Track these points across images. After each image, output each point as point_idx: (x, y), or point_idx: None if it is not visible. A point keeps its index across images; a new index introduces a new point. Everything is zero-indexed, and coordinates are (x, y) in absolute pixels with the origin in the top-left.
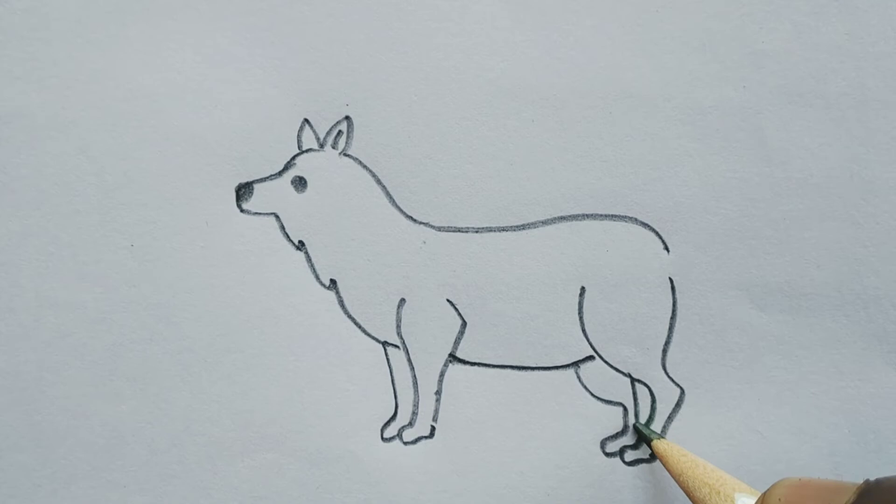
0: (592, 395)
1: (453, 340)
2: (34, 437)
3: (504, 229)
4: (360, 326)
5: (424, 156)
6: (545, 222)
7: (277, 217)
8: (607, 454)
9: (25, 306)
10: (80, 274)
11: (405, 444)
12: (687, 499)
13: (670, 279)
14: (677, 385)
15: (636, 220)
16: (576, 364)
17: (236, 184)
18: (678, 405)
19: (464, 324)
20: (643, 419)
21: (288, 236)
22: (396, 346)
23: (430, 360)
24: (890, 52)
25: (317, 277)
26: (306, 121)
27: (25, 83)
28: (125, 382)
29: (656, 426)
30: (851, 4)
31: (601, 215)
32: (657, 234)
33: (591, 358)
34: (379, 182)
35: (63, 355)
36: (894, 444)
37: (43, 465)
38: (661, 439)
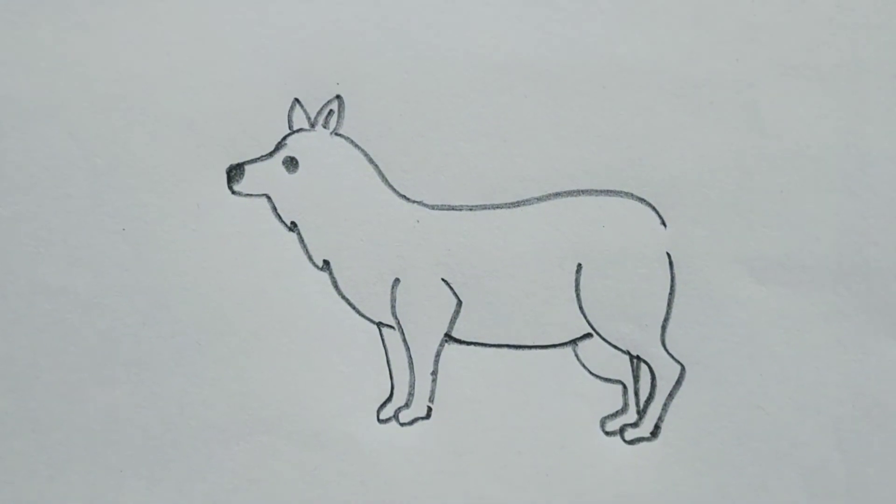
0: (591, 373)
1: (449, 320)
2: (29, 422)
3: (498, 207)
4: (354, 307)
5: (417, 134)
6: (540, 199)
7: (269, 198)
8: (607, 433)
9: (18, 292)
10: (72, 259)
11: (401, 425)
12: (688, 477)
13: (668, 254)
14: (677, 362)
15: (632, 195)
16: (574, 342)
17: (227, 165)
18: (679, 382)
19: (459, 303)
20: (643, 397)
21: (280, 217)
22: (391, 327)
23: (425, 341)
24: (882, 24)
25: (310, 258)
26: (297, 101)
27: (13, 67)
28: (119, 367)
29: (656, 404)
30: None
31: (597, 191)
32: (654, 209)
33: (589, 335)
34: (371, 161)
35: (56, 341)
36: None
37: (39, 450)
38: None
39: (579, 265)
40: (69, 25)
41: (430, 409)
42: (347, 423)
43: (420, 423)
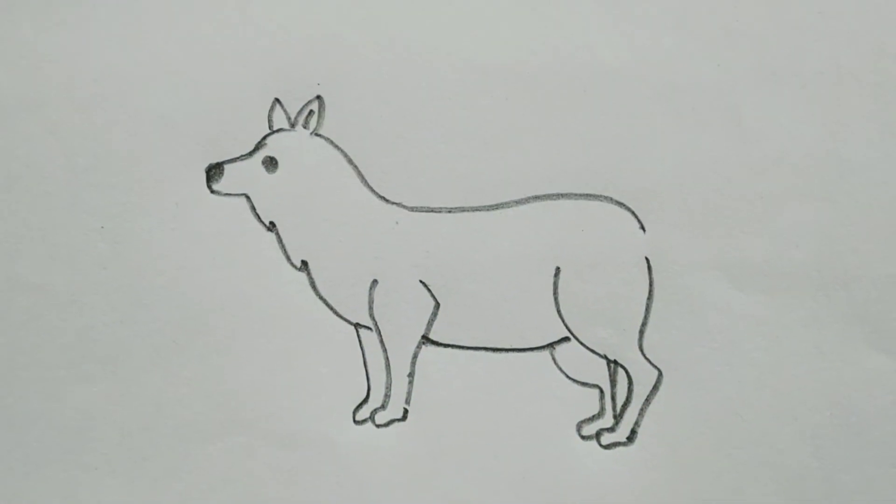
0: (568, 377)
1: (426, 322)
2: (6, 420)
3: (478, 209)
4: (331, 308)
5: (397, 135)
6: (519, 202)
7: (248, 198)
8: (583, 437)
9: None
10: (51, 256)
11: (378, 426)
12: (664, 482)
13: (647, 259)
14: (655, 367)
15: (611, 199)
16: (551, 346)
17: (206, 164)
18: (655, 388)
19: (437, 305)
20: (620, 402)
21: (259, 217)
22: (369, 328)
23: (402, 342)
24: (863, 31)
25: (288, 259)
26: (277, 100)
27: None
28: (96, 365)
29: (633, 409)
30: None
31: (576, 194)
32: (633, 213)
33: (566, 339)
34: (350, 162)
35: (34, 338)
36: (876, 427)
37: (14, 448)
38: None
39: (557, 269)
40: (50, 24)
41: (406, 411)
42: (324, 424)
43: (396, 424)
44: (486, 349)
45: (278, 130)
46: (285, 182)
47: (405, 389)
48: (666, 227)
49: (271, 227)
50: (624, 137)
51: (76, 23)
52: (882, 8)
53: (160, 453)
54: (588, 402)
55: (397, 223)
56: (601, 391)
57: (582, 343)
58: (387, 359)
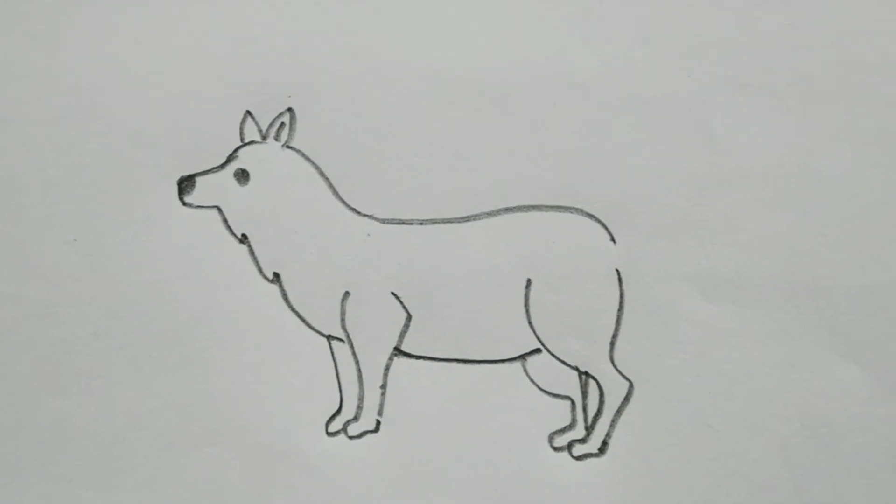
0: (540, 388)
1: (398, 334)
2: None
3: (449, 221)
4: (303, 320)
5: (368, 148)
6: (490, 214)
7: (220, 210)
8: (555, 448)
9: None
10: (25, 269)
11: (350, 438)
12: (636, 493)
13: (617, 271)
14: (626, 378)
15: (582, 211)
16: (523, 357)
17: (178, 177)
18: (627, 399)
19: (409, 317)
20: (591, 413)
21: (231, 229)
22: (341, 340)
23: (374, 354)
24: (831, 43)
25: (260, 271)
26: (248, 113)
27: None
28: (71, 378)
29: (604, 420)
30: None
31: (547, 206)
32: (603, 225)
33: (538, 351)
34: (322, 174)
35: (8, 350)
36: (847, 437)
37: None
38: None
39: (529, 280)
40: (22, 38)
41: (378, 423)
42: (296, 436)
43: (368, 436)
44: (458, 361)
45: (250, 143)
46: (257, 194)
47: (377, 401)
48: (637, 238)
49: (243, 239)
50: (595, 149)
51: (49, 37)
52: (851, 20)
53: (135, 465)
54: (560, 414)
55: (369, 235)
56: (573, 402)
57: (553, 355)
58: (359, 370)
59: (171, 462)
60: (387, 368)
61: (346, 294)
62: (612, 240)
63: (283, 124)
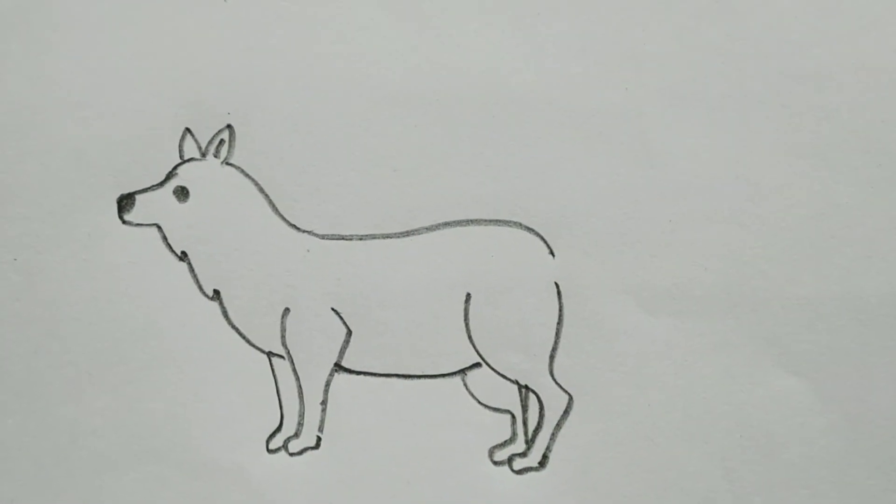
0: (480, 402)
1: (338, 350)
2: None
3: (389, 236)
4: (243, 337)
5: (307, 164)
6: (430, 229)
7: (160, 228)
8: (495, 462)
9: None
10: None
11: (291, 455)
12: None
13: (556, 284)
14: (565, 392)
15: (521, 224)
16: (462, 371)
17: (118, 195)
18: (566, 412)
19: (349, 332)
20: (531, 427)
21: (170, 247)
22: (281, 357)
23: (315, 370)
24: (769, 54)
25: (200, 288)
26: (188, 130)
27: None
28: (10, 396)
29: (544, 434)
30: (731, 6)
31: (486, 220)
32: (542, 238)
33: (478, 365)
34: (261, 191)
35: None
36: (787, 449)
37: None
38: None
39: (468, 294)
40: None
41: (319, 439)
42: (237, 453)
43: (309, 452)
44: (398, 376)
45: (189, 160)
46: (196, 211)
47: (318, 417)
48: (575, 252)
49: (183, 256)
50: (532, 163)
51: None
52: (786, 32)
53: (74, 484)
54: (500, 428)
55: (308, 251)
56: (513, 416)
57: (493, 369)
58: (299, 387)
59: (111, 481)
60: (327, 384)
61: (287, 310)
62: (551, 253)
63: (222, 141)
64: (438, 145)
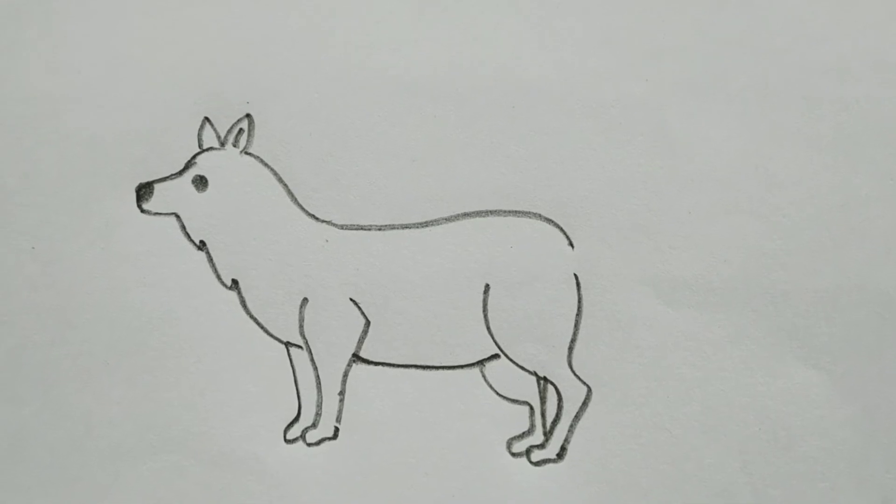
0: (498, 394)
1: (357, 340)
2: None
3: (407, 227)
4: (262, 327)
5: (326, 153)
6: (448, 219)
7: (178, 217)
8: (514, 454)
9: None
10: None
11: (308, 445)
12: (594, 498)
13: (575, 275)
14: (584, 383)
15: (540, 215)
16: (481, 363)
17: (136, 184)
18: (585, 404)
19: (367, 323)
20: (550, 418)
21: (189, 236)
22: (299, 347)
23: (333, 361)
24: (788, 47)
25: (218, 278)
26: (207, 119)
27: None
28: (27, 385)
29: (563, 425)
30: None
31: (505, 211)
32: (561, 229)
33: (496, 356)
34: (280, 180)
35: None
36: (805, 441)
37: None
38: None
39: (487, 286)
40: None
41: (336, 430)
42: (254, 443)
43: (327, 443)
44: (416, 367)
45: (208, 149)
46: (215, 201)
47: (336, 408)
48: (594, 243)
49: (201, 246)
50: (552, 154)
51: (4, 46)
52: (807, 24)
53: (91, 473)
54: (518, 419)
55: (327, 241)
56: (531, 408)
57: (511, 360)
58: (317, 377)
59: (128, 470)
60: (345, 375)
61: (305, 300)
62: (571, 244)
63: (241, 130)
64: (458, 136)
